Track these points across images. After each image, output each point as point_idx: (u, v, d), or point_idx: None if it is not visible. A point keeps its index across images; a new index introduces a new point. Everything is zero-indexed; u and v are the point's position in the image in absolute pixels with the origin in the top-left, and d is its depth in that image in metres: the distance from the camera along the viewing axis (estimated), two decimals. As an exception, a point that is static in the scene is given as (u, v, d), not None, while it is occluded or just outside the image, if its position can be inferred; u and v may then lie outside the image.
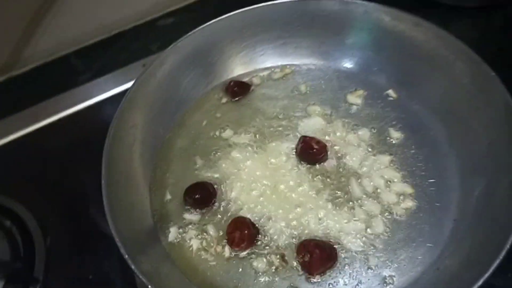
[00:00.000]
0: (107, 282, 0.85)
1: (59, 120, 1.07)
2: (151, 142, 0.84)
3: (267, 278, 0.72)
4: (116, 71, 1.13)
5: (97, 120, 1.07)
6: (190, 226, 0.78)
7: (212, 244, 0.75)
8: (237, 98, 0.90)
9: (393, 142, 0.83)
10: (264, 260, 0.73)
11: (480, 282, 0.61)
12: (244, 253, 0.74)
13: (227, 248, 0.75)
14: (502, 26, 1.04)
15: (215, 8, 1.13)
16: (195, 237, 0.76)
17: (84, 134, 1.06)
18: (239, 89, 0.90)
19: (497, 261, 0.62)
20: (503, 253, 0.62)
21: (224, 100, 0.91)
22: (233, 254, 0.74)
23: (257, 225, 0.76)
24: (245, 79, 0.93)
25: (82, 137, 1.05)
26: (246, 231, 0.74)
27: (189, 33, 0.87)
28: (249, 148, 0.84)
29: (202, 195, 0.78)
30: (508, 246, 0.62)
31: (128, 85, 1.06)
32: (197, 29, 0.87)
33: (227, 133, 0.87)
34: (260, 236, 0.75)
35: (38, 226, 0.91)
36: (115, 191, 0.73)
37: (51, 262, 0.87)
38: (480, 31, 1.03)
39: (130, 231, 0.70)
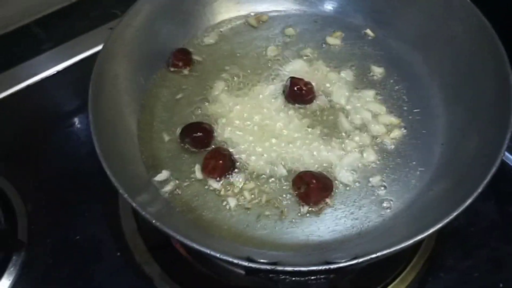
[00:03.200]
0: (95, 241, 0.84)
1: (26, 88, 1.03)
2: (135, 92, 0.82)
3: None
4: (81, 37, 1.10)
5: (66, 85, 1.04)
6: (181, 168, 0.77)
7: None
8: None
9: (376, 77, 0.85)
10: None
11: (471, 200, 0.62)
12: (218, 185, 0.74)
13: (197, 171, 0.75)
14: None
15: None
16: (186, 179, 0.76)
17: (53, 100, 1.03)
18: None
19: (487, 178, 0.63)
20: (493, 170, 0.64)
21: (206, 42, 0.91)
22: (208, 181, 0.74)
23: (248, 163, 0.76)
24: (219, 30, 0.92)
25: (52, 103, 1.03)
26: (220, 161, 0.74)
27: (162, -18, 0.85)
28: (237, 91, 0.84)
29: (202, 133, 0.77)
30: (494, 169, 0.64)
31: (96, 49, 1.05)
32: (169, -24, 0.86)
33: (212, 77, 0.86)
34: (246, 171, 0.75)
35: (17, 193, 0.88)
36: (104, 140, 0.70)
37: (34, 227, 0.84)
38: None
39: (123, 176, 0.68)
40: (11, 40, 1.11)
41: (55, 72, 1.05)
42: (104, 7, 1.15)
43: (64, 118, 0.99)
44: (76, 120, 0.99)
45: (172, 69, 0.86)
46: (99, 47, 0.79)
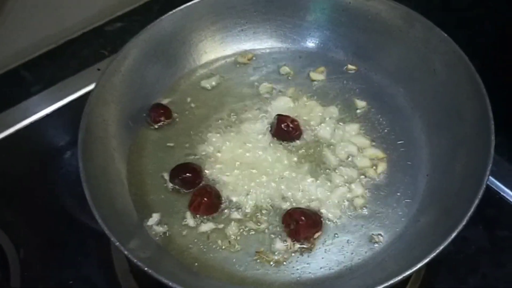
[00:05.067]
0: (89, 285, 0.84)
1: (16, 132, 1.04)
2: (124, 136, 0.83)
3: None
4: (69, 78, 1.11)
5: (56, 129, 1.05)
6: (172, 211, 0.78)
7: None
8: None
9: (359, 111, 0.87)
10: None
11: (458, 229, 0.64)
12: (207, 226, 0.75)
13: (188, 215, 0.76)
14: (440, 5, 1.11)
15: (160, 10, 1.13)
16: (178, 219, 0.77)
17: (44, 143, 1.04)
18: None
19: (473, 206, 0.65)
20: (478, 199, 0.65)
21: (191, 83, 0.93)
22: (197, 222, 0.76)
23: (237, 202, 0.77)
24: (205, 70, 0.94)
25: (41, 147, 1.03)
26: (205, 199, 0.75)
27: (149, 26, 0.87)
28: (225, 130, 0.85)
29: (191, 174, 0.78)
30: (480, 195, 0.66)
31: (85, 90, 1.06)
32: (156, 21, 0.88)
33: (199, 118, 0.88)
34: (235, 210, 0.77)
35: (9, 239, 0.87)
36: (94, 185, 0.71)
37: (27, 273, 0.84)
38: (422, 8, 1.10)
39: (114, 221, 0.69)
40: (0, 85, 1.11)
41: (45, 115, 1.05)
42: (91, 48, 1.16)
43: (55, 160, 1.00)
44: (67, 162, 0.99)
45: (156, 126, 0.87)
46: (88, 88, 0.80)
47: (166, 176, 0.80)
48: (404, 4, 0.86)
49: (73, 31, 1.19)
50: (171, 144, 0.85)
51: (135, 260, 0.63)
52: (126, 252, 0.63)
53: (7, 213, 0.92)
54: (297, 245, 0.73)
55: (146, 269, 0.61)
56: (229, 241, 0.74)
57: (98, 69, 1.09)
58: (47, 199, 0.94)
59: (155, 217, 0.76)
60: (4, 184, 0.96)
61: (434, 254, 0.62)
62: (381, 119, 0.85)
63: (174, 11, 0.89)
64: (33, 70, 1.14)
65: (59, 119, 1.06)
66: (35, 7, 1.10)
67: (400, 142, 0.82)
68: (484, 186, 0.66)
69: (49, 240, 0.89)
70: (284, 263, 0.72)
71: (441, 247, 0.63)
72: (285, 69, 0.93)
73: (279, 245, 0.73)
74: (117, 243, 0.64)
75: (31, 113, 1.06)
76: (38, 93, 1.09)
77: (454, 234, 0.63)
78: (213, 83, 0.92)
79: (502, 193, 0.88)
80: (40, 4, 1.10)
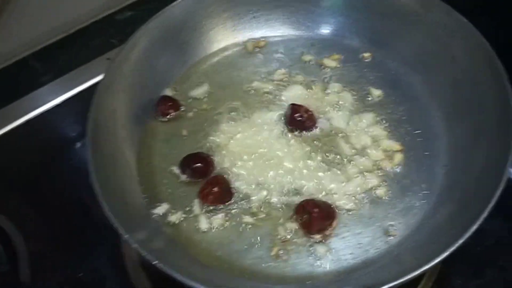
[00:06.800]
0: (98, 277, 0.83)
1: (26, 122, 1.03)
2: (134, 126, 0.82)
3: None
4: (79, 68, 1.10)
5: (66, 119, 1.04)
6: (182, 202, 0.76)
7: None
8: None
9: (375, 100, 0.84)
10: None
11: (477, 223, 0.62)
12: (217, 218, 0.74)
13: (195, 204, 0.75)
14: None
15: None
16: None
17: (53, 135, 1.03)
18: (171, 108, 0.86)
19: (494, 199, 0.63)
20: (496, 196, 0.63)
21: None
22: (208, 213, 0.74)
23: (249, 193, 0.75)
24: (216, 58, 0.92)
25: (51, 138, 1.02)
26: (215, 188, 0.74)
27: (158, 13, 0.86)
28: (237, 119, 0.83)
29: (202, 164, 0.77)
30: (500, 189, 0.63)
31: (95, 80, 1.05)
32: (166, 8, 0.86)
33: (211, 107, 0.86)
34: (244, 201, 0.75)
35: (17, 231, 0.87)
36: (103, 176, 0.70)
37: (36, 266, 0.84)
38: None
39: (123, 212, 0.68)
40: (10, 75, 1.11)
41: (55, 105, 1.05)
42: (101, 37, 1.15)
43: (65, 151, 0.99)
44: (77, 152, 0.98)
45: (165, 119, 0.85)
46: (98, 78, 0.79)
47: (176, 167, 0.78)
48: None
49: (83, 20, 1.18)
50: (182, 135, 0.83)
51: (143, 253, 0.61)
52: (134, 245, 0.62)
53: (16, 205, 0.92)
54: (310, 238, 0.71)
55: (155, 262, 0.60)
56: (240, 233, 0.72)
57: (108, 59, 1.08)
58: (56, 190, 0.93)
59: (164, 207, 0.75)
60: (13, 175, 0.96)
61: (453, 249, 0.60)
62: (397, 108, 0.82)
63: (184, -1, 0.87)
64: (43, 59, 1.13)
65: (69, 110, 1.05)
66: (45, -4, 1.09)
67: (417, 131, 0.80)
68: (506, 178, 0.64)
69: (59, 232, 0.88)
70: (297, 256, 0.70)
71: (460, 242, 0.61)
72: (298, 57, 0.91)
73: (292, 237, 0.71)
74: (126, 236, 0.63)
75: (41, 103, 1.05)
76: (48, 83, 1.08)
77: (473, 228, 0.61)
78: (225, 71, 0.90)
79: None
80: (49, -7, 1.09)
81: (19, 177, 0.96)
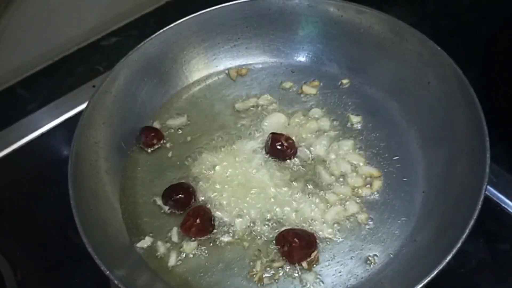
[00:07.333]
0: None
1: (13, 152, 1.03)
2: (116, 158, 0.83)
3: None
4: (66, 96, 1.11)
5: (52, 147, 1.05)
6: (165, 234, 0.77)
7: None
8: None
9: (354, 126, 0.85)
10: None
11: (456, 247, 0.63)
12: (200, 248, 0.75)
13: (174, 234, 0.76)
14: (435, 11, 1.10)
15: (156, 24, 1.13)
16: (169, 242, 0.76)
17: (40, 163, 1.03)
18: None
19: (468, 227, 0.64)
20: (473, 219, 0.64)
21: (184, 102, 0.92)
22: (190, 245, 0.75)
23: (230, 222, 0.76)
24: (198, 87, 0.93)
25: (38, 166, 1.02)
26: (198, 220, 0.75)
27: (139, 45, 0.87)
28: (218, 148, 0.84)
29: (183, 195, 0.78)
30: (477, 212, 0.64)
31: (80, 108, 1.05)
32: (146, 40, 0.87)
33: (193, 137, 0.87)
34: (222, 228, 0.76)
35: (6, 262, 0.87)
36: (85, 210, 0.71)
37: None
38: (417, 15, 1.08)
39: (106, 247, 0.69)
40: (-2, 103, 1.12)
41: (41, 134, 1.05)
42: (87, 64, 1.16)
43: (53, 179, 0.99)
44: (63, 182, 0.99)
45: (148, 149, 0.86)
46: (83, 106, 0.80)
47: (159, 198, 0.79)
48: (398, 12, 0.85)
49: (69, 47, 1.18)
50: (164, 165, 0.84)
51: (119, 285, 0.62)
52: (116, 282, 0.63)
53: (4, 234, 0.92)
54: (291, 267, 0.72)
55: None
56: (224, 263, 0.73)
57: (93, 86, 1.09)
58: (44, 219, 0.93)
59: (147, 240, 0.76)
60: (1, 204, 0.96)
61: (433, 275, 0.61)
62: (376, 134, 0.84)
63: (163, 29, 0.88)
64: (29, 87, 1.14)
65: (56, 137, 1.05)
66: (30, 24, 1.09)
67: (395, 157, 0.81)
68: (480, 205, 0.65)
69: (46, 262, 0.88)
70: (278, 284, 0.71)
71: (439, 268, 0.62)
72: (279, 84, 0.92)
73: (272, 266, 0.72)
74: (107, 272, 0.64)
75: (29, 132, 1.05)
76: (34, 112, 1.09)
77: (451, 255, 0.62)
78: (206, 100, 0.91)
79: (503, 205, 0.85)
80: (34, 21, 1.10)
81: (7, 206, 0.96)
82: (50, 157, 1.05)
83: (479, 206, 0.65)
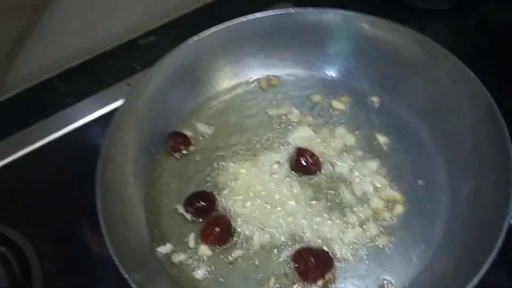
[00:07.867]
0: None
1: (47, 144, 1.06)
2: (144, 161, 0.84)
3: None
4: (101, 92, 1.13)
5: (85, 142, 1.07)
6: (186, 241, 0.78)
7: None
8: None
9: (380, 146, 0.85)
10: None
11: (475, 280, 0.62)
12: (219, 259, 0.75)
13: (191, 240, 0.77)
14: (476, 26, 1.07)
15: (195, 24, 1.13)
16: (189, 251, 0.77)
17: (72, 157, 1.05)
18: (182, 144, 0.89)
19: (490, 258, 0.63)
20: (496, 249, 0.63)
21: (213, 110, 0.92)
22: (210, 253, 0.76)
23: (249, 235, 0.77)
24: (228, 95, 0.94)
25: (70, 160, 1.04)
26: (217, 229, 0.76)
27: (173, 50, 0.88)
28: (243, 158, 0.85)
29: (205, 203, 0.79)
30: (500, 242, 0.64)
31: (114, 105, 1.07)
32: (180, 46, 0.88)
33: (220, 145, 0.88)
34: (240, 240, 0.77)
35: (33, 250, 0.90)
36: (110, 212, 0.73)
37: (49, 285, 0.87)
38: (455, 32, 1.06)
39: (127, 250, 0.70)
40: (35, 95, 1.15)
41: (76, 128, 1.08)
42: (124, 61, 1.18)
43: (84, 173, 1.02)
44: (92, 178, 1.01)
45: (176, 154, 0.87)
46: (117, 104, 0.81)
47: (181, 205, 0.81)
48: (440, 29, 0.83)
49: (108, 43, 1.21)
50: (189, 172, 0.85)
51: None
52: (133, 286, 0.65)
53: (33, 224, 0.95)
54: (306, 285, 0.72)
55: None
56: (240, 276, 0.74)
57: (128, 84, 1.11)
58: (74, 211, 0.96)
59: (168, 247, 0.77)
60: (32, 195, 0.99)
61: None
62: (402, 157, 0.83)
63: (199, 36, 0.88)
64: (67, 81, 1.17)
65: (89, 133, 1.08)
66: (71, 18, 1.12)
67: (420, 182, 0.80)
68: (503, 236, 0.64)
69: (72, 253, 0.91)
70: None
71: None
72: (308, 97, 0.92)
73: (286, 283, 0.73)
74: (126, 276, 0.65)
75: (64, 125, 1.08)
76: (71, 105, 1.12)
77: (473, 283, 0.62)
78: (235, 109, 0.92)
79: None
80: (75, 15, 1.12)
81: (38, 197, 0.99)
82: (83, 152, 1.07)
83: (503, 237, 0.64)
